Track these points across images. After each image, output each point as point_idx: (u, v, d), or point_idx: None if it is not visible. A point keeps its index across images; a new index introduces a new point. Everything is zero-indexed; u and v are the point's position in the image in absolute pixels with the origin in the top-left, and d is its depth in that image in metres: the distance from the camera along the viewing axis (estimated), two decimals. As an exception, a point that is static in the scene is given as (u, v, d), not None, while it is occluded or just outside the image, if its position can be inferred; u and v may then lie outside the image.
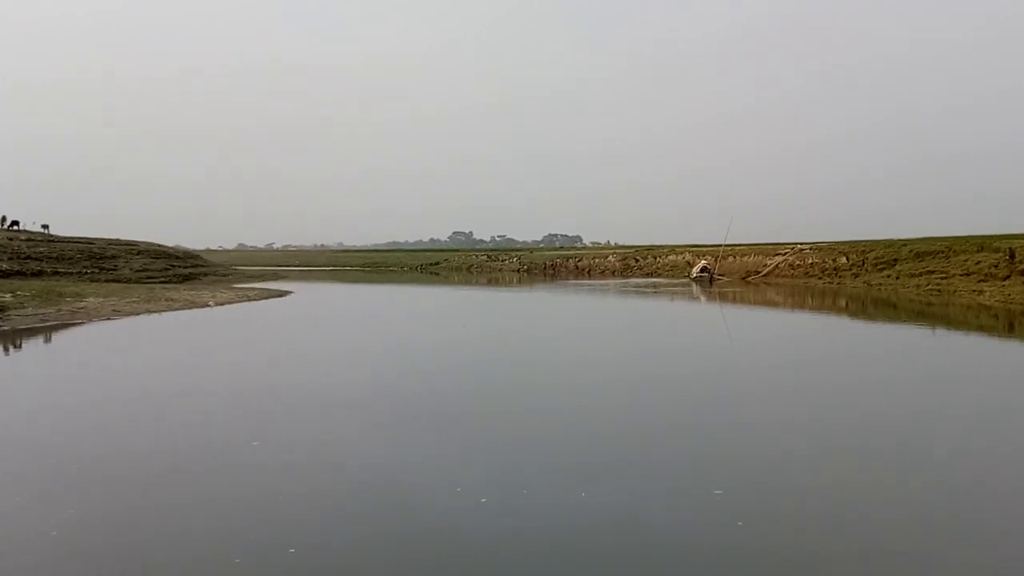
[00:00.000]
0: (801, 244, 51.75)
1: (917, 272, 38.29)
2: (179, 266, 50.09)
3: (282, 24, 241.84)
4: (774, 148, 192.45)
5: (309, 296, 38.56)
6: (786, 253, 51.22)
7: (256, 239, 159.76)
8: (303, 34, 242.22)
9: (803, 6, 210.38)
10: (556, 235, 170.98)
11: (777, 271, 50.42)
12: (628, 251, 73.46)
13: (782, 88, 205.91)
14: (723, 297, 36.88)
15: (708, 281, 49.47)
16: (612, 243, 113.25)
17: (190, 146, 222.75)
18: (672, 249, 67.85)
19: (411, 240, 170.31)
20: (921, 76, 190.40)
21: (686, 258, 63.97)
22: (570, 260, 77.03)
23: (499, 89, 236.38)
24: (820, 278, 45.37)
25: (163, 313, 24.93)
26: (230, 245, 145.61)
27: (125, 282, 39.68)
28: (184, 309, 26.45)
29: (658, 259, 66.45)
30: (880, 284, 38.67)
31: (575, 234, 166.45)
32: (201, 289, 37.52)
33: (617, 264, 69.72)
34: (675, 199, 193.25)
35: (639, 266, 67.43)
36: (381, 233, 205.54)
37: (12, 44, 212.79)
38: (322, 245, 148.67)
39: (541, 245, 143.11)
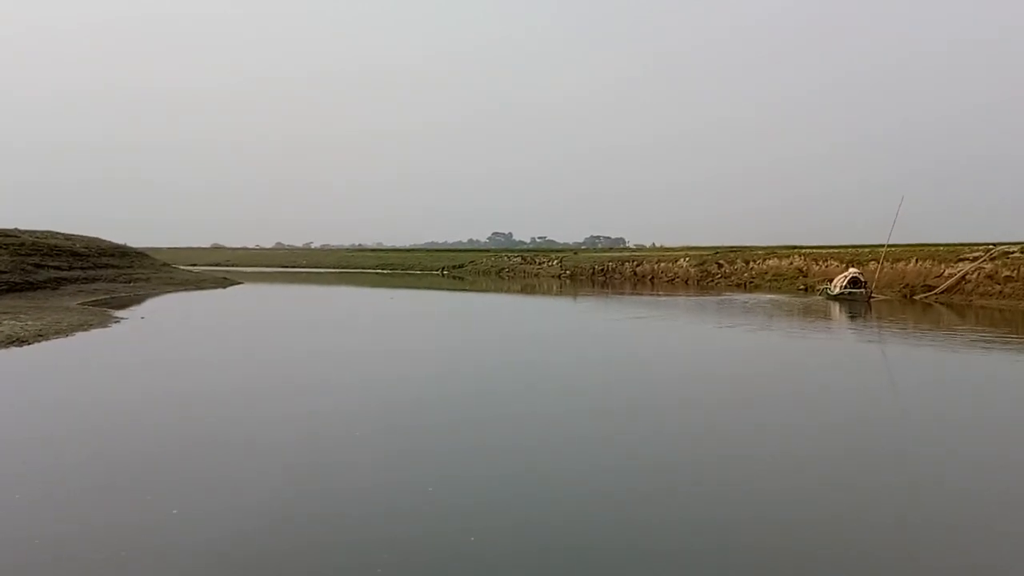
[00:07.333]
0: (1005, 245, 33.23)
1: None
2: (51, 265, 33.73)
3: (334, 30, 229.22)
4: (834, 143, 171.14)
5: (151, 327, 21.59)
6: (979, 257, 32.84)
7: (295, 239, 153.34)
8: (353, 40, 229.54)
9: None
10: (599, 236, 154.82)
11: (965, 285, 32.11)
12: (705, 253, 55.19)
13: (844, 75, 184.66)
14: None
15: (865, 301, 31.26)
16: (658, 245, 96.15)
17: (232, 154, 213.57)
18: (771, 251, 49.48)
19: (450, 241, 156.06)
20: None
21: (795, 263, 45.62)
22: (625, 264, 59.05)
23: (541, 90, 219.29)
24: (1067, 299, 27.03)
25: None
26: (268, 244, 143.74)
27: None
28: None
29: (750, 264, 48.17)
30: None
31: (618, 236, 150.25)
32: (19, 310, 21.22)
33: (692, 270, 51.58)
34: (731, 199, 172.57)
35: (722, 273, 49.17)
36: (419, 234, 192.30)
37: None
38: (359, 245, 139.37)
39: (583, 246, 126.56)
